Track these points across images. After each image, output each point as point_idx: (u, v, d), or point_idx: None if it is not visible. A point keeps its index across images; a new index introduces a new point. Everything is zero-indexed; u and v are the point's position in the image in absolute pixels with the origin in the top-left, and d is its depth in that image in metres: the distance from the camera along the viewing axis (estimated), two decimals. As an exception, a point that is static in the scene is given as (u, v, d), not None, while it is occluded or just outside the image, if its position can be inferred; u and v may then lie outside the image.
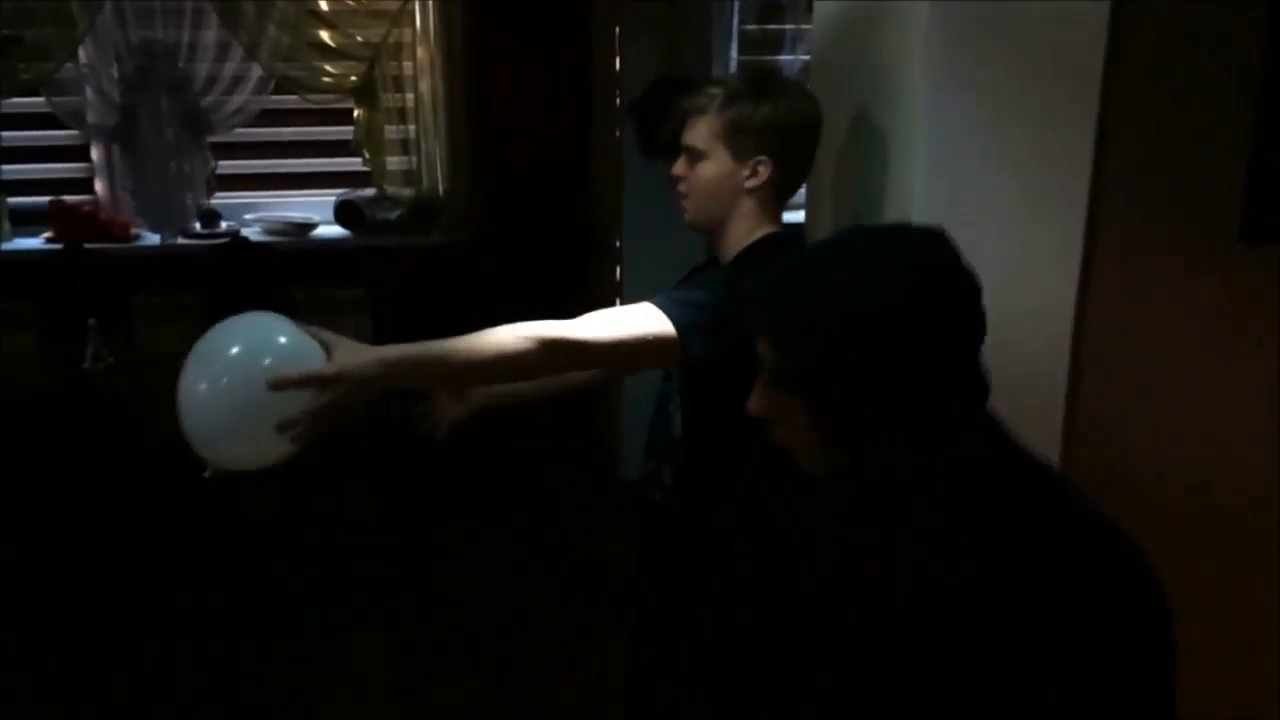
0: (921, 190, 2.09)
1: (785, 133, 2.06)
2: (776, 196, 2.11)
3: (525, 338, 1.79)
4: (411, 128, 4.34)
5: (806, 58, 4.33)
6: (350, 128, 4.33)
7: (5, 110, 4.16)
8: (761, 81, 2.09)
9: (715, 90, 2.09)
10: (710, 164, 2.06)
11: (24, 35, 3.98)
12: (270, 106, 4.27)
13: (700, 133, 2.07)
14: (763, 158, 2.04)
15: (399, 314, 4.25)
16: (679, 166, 2.17)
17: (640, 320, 1.92)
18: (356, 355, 1.67)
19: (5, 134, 4.22)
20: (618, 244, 4.17)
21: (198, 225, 4.30)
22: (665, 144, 2.63)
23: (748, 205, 2.09)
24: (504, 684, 2.97)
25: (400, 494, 3.88)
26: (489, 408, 2.23)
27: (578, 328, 1.87)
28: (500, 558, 3.53)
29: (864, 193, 2.30)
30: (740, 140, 2.04)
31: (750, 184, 2.06)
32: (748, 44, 4.40)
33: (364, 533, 3.69)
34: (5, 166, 4.26)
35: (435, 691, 2.93)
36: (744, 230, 2.11)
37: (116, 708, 2.87)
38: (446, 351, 1.76)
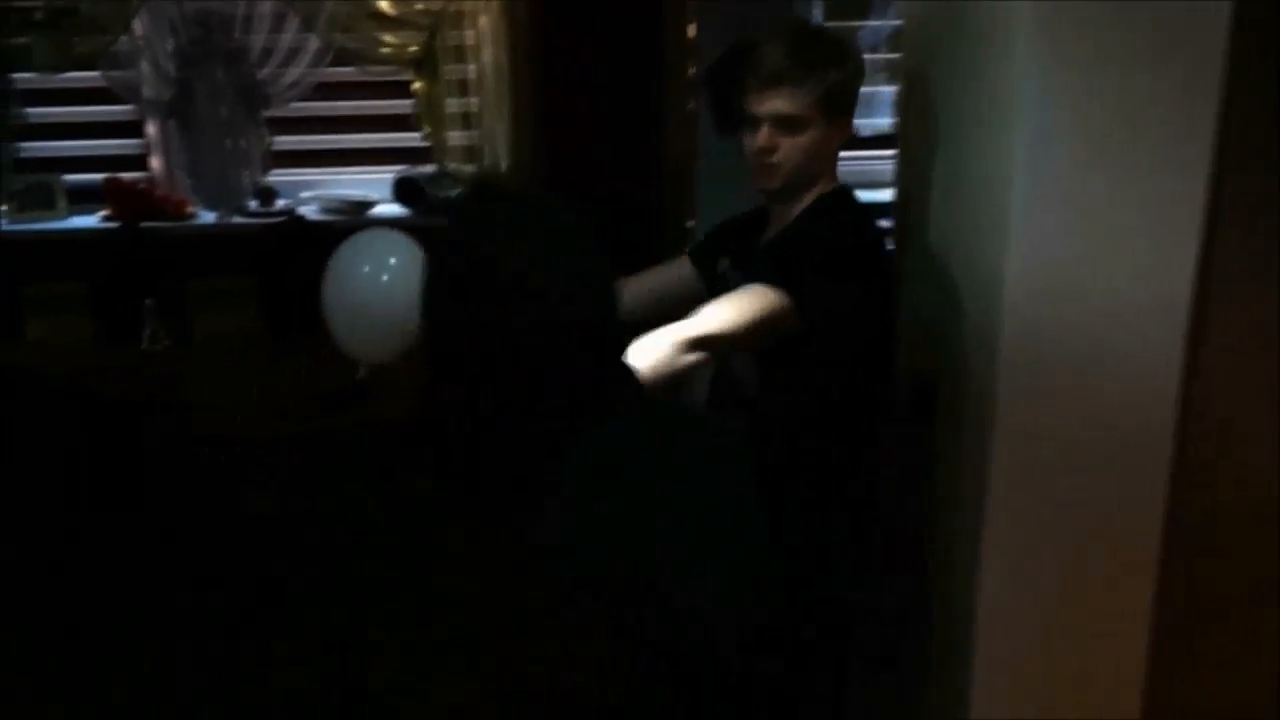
0: (1023, 173, 1.97)
1: (857, 89, 2.25)
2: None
3: (676, 345, 2.02)
4: (473, 101, 4.19)
5: (897, 22, 4.17)
6: (409, 101, 4.23)
7: (60, 85, 4.13)
8: (824, 40, 2.26)
9: (781, 57, 2.20)
10: (812, 132, 2.20)
11: (78, 6, 3.93)
12: (327, 79, 4.16)
13: (797, 102, 2.19)
14: (846, 118, 2.24)
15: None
16: (766, 137, 2.24)
17: (759, 300, 2.13)
18: None
19: (60, 109, 4.20)
20: (689, 225, 4.06)
21: (254, 203, 4.24)
22: (741, 117, 2.56)
23: (831, 165, 2.28)
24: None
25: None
26: None
27: (708, 324, 2.09)
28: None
29: (959, 170, 2.20)
30: (835, 104, 2.21)
31: (836, 145, 2.26)
32: (833, 8, 4.26)
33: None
34: (60, 143, 4.24)
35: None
36: (819, 190, 2.27)
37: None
38: None
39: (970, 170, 2.13)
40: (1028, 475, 2.00)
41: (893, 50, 4.07)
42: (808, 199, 2.27)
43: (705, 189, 3.94)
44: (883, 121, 3.73)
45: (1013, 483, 2.00)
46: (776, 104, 2.24)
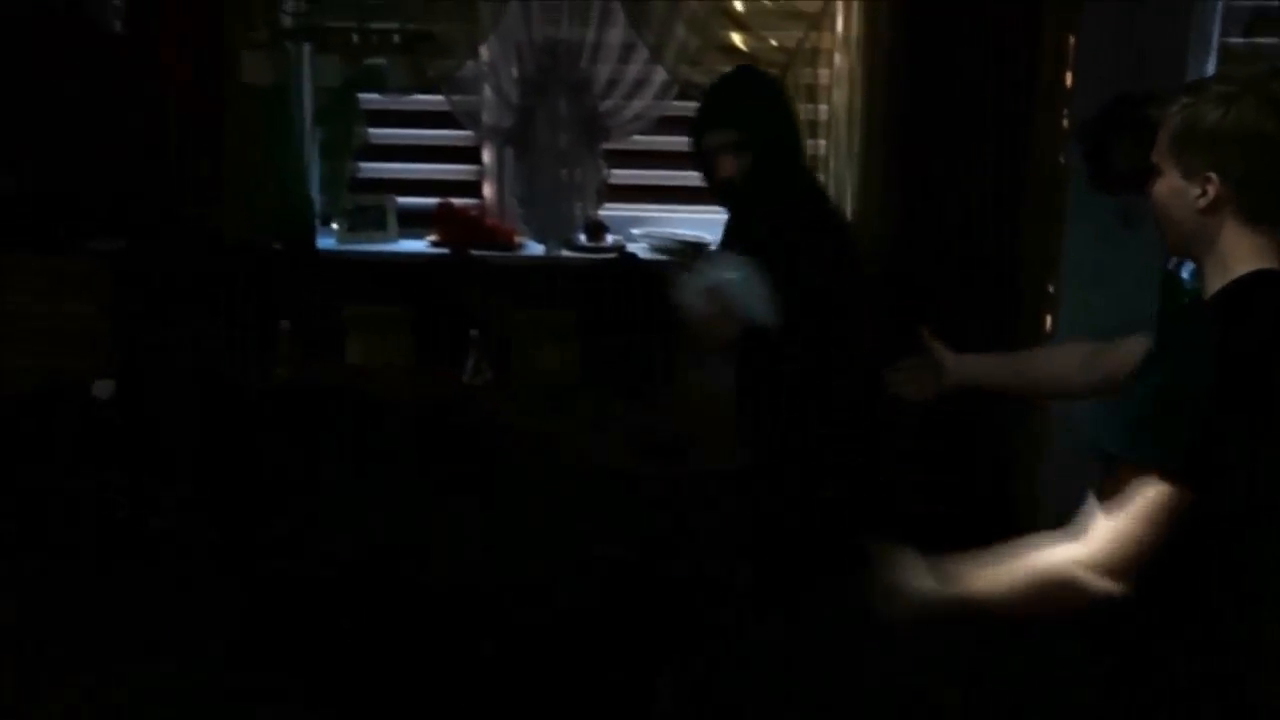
0: None
1: (1233, 146, 1.92)
2: (1248, 223, 1.96)
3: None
4: (822, 143, 4.28)
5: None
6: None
7: (398, 107, 4.47)
8: (1223, 83, 1.97)
9: (1189, 97, 1.99)
10: (1162, 181, 2.01)
11: (434, 31, 4.22)
12: (670, 114, 4.32)
13: (1158, 145, 2.01)
14: (1211, 174, 1.94)
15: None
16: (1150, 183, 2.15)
17: (1143, 516, 1.94)
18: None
19: (399, 131, 4.52)
20: (1051, 289, 4.07)
21: (583, 237, 4.45)
22: (1119, 174, 2.61)
23: (1216, 232, 1.97)
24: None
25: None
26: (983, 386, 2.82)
27: (1108, 549, 1.97)
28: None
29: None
30: (1187, 152, 1.96)
31: (1200, 204, 1.95)
32: (1230, 60, 4.24)
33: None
34: (396, 165, 4.56)
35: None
36: (1219, 264, 1.99)
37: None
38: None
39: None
40: None
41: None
42: (1216, 275, 2.01)
43: (1072, 250, 3.99)
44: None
45: None
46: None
